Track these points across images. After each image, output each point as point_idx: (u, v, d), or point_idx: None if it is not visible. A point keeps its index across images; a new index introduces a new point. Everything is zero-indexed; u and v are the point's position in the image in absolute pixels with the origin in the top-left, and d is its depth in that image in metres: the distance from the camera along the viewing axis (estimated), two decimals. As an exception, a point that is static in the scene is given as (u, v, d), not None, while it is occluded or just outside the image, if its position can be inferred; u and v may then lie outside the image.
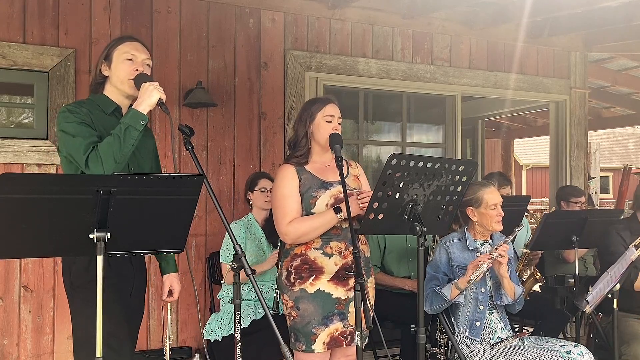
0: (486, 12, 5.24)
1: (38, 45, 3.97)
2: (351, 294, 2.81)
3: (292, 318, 2.84)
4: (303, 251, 2.83)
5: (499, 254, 3.02)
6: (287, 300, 2.86)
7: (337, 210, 2.74)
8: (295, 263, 2.83)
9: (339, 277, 2.82)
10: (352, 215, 2.68)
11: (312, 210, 2.82)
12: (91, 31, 4.11)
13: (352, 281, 2.81)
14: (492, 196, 3.19)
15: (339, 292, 2.82)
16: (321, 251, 2.81)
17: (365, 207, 2.66)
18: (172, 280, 2.79)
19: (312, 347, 2.79)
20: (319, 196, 2.82)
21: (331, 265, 2.81)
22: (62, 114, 2.45)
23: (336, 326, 2.81)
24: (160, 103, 2.43)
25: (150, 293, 4.15)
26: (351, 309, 2.82)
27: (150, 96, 2.41)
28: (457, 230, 3.29)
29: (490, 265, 3.02)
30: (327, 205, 2.81)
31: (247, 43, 4.59)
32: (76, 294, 2.47)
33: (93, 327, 2.14)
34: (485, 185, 3.28)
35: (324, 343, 2.79)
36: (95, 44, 4.08)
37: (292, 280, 2.82)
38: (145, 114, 2.41)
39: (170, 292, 2.79)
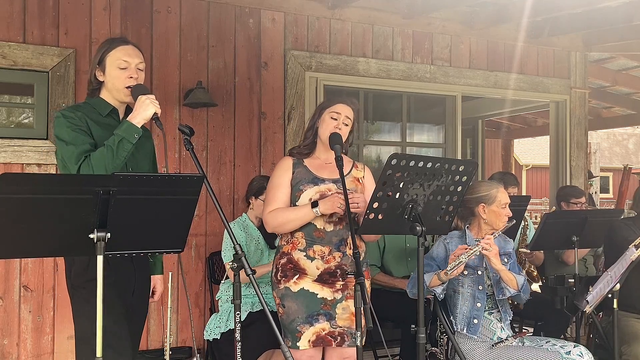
0: (486, 12, 5.23)
1: (38, 45, 3.96)
2: (338, 295, 2.85)
3: (279, 315, 2.91)
4: (289, 250, 2.88)
5: (482, 247, 3.01)
6: (275, 297, 2.93)
7: (314, 204, 2.76)
8: (282, 261, 2.89)
9: (323, 280, 2.84)
10: (327, 212, 2.74)
11: (297, 203, 2.87)
12: (91, 31, 4.11)
13: (339, 283, 2.84)
14: (504, 195, 3.24)
15: (324, 292, 2.84)
16: (304, 253, 2.85)
17: (356, 208, 2.70)
18: (156, 282, 2.82)
19: (297, 344, 2.82)
20: (305, 190, 2.86)
21: (313, 268, 2.84)
22: (57, 120, 2.47)
23: (322, 326, 2.83)
24: (154, 117, 2.46)
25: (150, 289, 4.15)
26: (339, 310, 2.84)
27: (146, 110, 2.45)
28: (460, 228, 3.29)
29: (473, 257, 3.01)
30: (310, 199, 2.83)
31: (247, 43, 4.59)
32: (77, 293, 2.49)
33: (93, 326, 2.13)
34: (497, 184, 3.32)
35: (309, 341, 2.82)
36: (95, 43, 4.08)
37: (279, 277, 2.88)
38: (139, 127, 2.44)
39: (153, 293, 2.82)
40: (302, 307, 2.82)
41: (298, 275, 2.84)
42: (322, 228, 2.83)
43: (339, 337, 2.84)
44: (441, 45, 5.33)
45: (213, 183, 4.39)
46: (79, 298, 2.48)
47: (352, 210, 2.68)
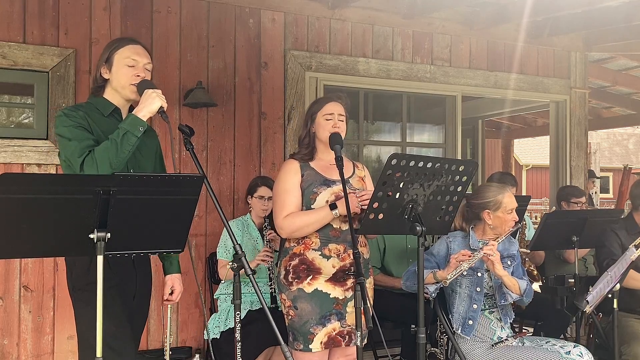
0: (486, 12, 5.23)
1: (38, 45, 3.96)
2: (349, 294, 2.83)
3: (290, 317, 2.86)
4: (302, 251, 2.84)
5: (485, 253, 3.00)
6: (284, 300, 2.87)
7: (333, 206, 2.76)
8: (293, 262, 2.84)
9: (337, 279, 2.83)
10: (346, 213, 2.69)
11: (312, 206, 2.83)
12: (91, 31, 4.11)
13: (350, 281, 2.83)
14: (510, 200, 3.18)
15: (336, 292, 2.83)
16: (319, 252, 2.82)
17: (364, 205, 2.68)
18: (174, 281, 2.76)
19: (310, 346, 2.79)
20: (320, 192, 2.84)
21: (329, 267, 2.82)
22: (58, 118, 2.45)
23: (334, 326, 2.81)
24: (161, 111, 2.43)
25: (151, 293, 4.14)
26: (349, 308, 2.83)
27: (152, 103, 2.41)
28: (465, 229, 3.28)
29: (473, 264, 3.01)
30: (327, 202, 2.82)
31: (247, 43, 4.59)
32: (78, 296, 2.47)
33: (95, 329, 2.12)
34: (503, 189, 3.24)
35: (321, 342, 2.80)
36: (95, 44, 4.08)
37: (290, 279, 2.84)
38: (145, 120, 2.41)
39: (171, 293, 2.77)
40: (317, 307, 2.80)
41: (312, 276, 2.81)
42: (338, 227, 2.83)
43: (347, 337, 2.84)
44: (441, 45, 5.33)
45: (213, 183, 4.39)
46: (81, 301, 2.45)
47: (364, 208, 2.67)
